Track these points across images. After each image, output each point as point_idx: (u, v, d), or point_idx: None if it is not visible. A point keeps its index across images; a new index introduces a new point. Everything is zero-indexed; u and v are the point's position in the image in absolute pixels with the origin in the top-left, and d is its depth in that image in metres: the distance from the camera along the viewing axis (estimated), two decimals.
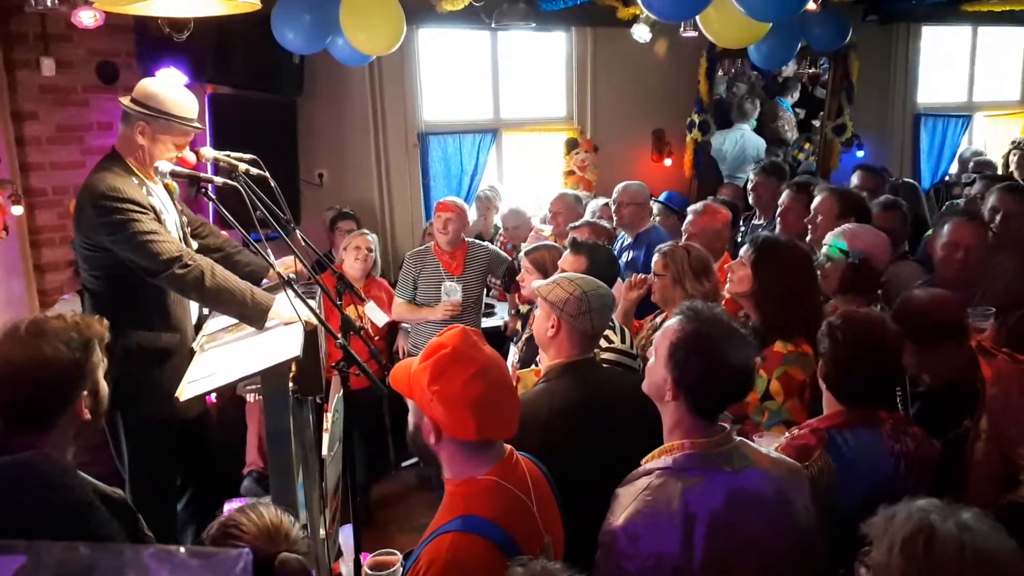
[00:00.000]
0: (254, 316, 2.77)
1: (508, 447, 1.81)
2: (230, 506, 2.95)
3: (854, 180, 5.27)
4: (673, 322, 1.90)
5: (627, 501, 1.79)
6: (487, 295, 5.04)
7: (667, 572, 1.73)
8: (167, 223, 2.92)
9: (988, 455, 2.22)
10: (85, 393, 1.84)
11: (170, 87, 2.93)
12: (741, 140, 7.17)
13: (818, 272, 2.98)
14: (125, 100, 2.88)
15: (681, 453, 1.81)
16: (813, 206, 3.84)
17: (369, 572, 2.03)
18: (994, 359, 2.37)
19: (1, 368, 1.75)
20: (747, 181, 6.28)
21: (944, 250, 3.27)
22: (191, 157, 3.02)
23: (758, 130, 7.42)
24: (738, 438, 1.90)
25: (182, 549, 1.19)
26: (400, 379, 1.76)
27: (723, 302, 3.09)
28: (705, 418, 1.85)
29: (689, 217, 4.13)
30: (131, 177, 2.85)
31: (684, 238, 4.02)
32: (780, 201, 4.35)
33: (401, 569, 1.93)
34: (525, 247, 3.87)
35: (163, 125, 2.86)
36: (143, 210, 2.76)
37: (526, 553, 1.58)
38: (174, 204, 3.09)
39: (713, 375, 1.81)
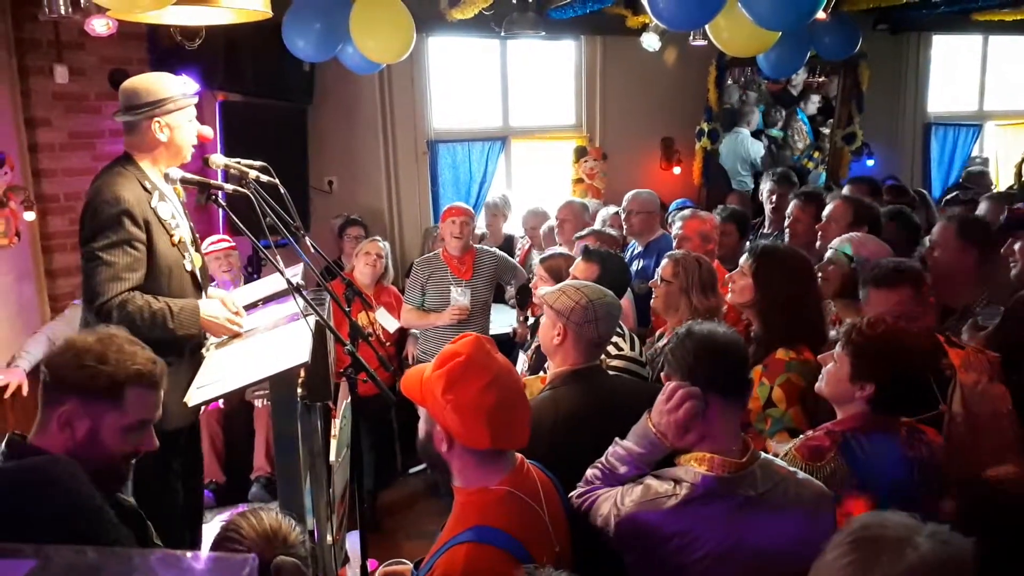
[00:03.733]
0: (186, 326, 2.77)
1: (519, 456, 1.81)
2: (234, 512, 2.95)
3: (846, 190, 5.21)
4: None
5: (648, 496, 1.82)
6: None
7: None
8: (180, 229, 2.92)
9: (962, 440, 2.26)
10: (81, 412, 1.72)
11: (151, 76, 2.91)
12: (735, 142, 7.16)
13: (818, 276, 2.99)
14: (122, 116, 2.84)
15: (711, 475, 1.80)
16: (825, 213, 3.84)
17: None
18: (963, 350, 2.44)
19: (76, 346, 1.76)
20: (754, 189, 6.29)
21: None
22: (207, 131, 3.02)
23: (768, 136, 7.42)
24: (763, 455, 1.90)
25: (189, 554, 1.20)
26: (412, 386, 1.75)
27: (724, 315, 3.10)
28: (714, 394, 1.86)
29: (678, 223, 4.13)
30: (143, 183, 2.81)
31: (676, 243, 4.02)
32: (788, 212, 4.34)
33: None
34: (540, 255, 3.88)
35: (175, 106, 2.83)
36: (131, 229, 2.71)
37: (538, 562, 1.57)
38: (184, 212, 3.09)
39: (702, 347, 1.87)
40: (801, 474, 1.94)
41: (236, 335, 2.90)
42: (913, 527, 1.27)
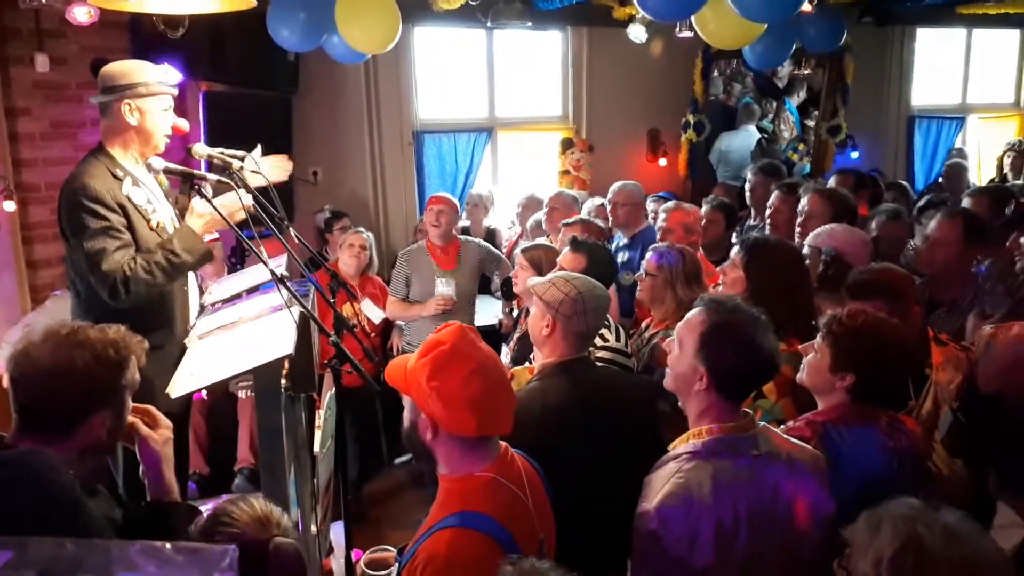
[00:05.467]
0: (194, 250, 2.80)
1: (503, 444, 1.82)
2: (217, 502, 2.94)
3: (832, 182, 5.24)
4: (697, 314, 1.95)
5: (659, 485, 1.84)
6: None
7: (701, 553, 1.78)
8: (158, 214, 2.90)
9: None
10: (108, 413, 1.77)
11: (130, 62, 2.92)
12: (748, 140, 7.18)
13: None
14: (97, 98, 2.85)
15: (710, 437, 1.87)
16: (801, 207, 3.84)
17: (365, 569, 2.02)
18: (945, 347, 2.49)
19: (28, 369, 1.72)
20: (744, 182, 6.29)
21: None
22: (183, 124, 3.00)
23: (759, 128, 7.45)
24: (761, 423, 1.95)
25: (168, 545, 1.19)
26: (396, 375, 1.77)
27: None
28: (733, 402, 1.91)
29: (662, 215, 4.14)
30: (113, 171, 2.80)
31: (660, 235, 4.03)
32: (769, 203, 4.35)
33: (396, 566, 1.93)
34: (522, 244, 3.88)
35: (147, 91, 2.82)
36: (105, 215, 2.71)
37: (522, 549, 1.59)
38: (167, 198, 3.07)
39: (746, 359, 1.88)
40: (795, 439, 2.00)
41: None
42: (951, 522, 1.34)
